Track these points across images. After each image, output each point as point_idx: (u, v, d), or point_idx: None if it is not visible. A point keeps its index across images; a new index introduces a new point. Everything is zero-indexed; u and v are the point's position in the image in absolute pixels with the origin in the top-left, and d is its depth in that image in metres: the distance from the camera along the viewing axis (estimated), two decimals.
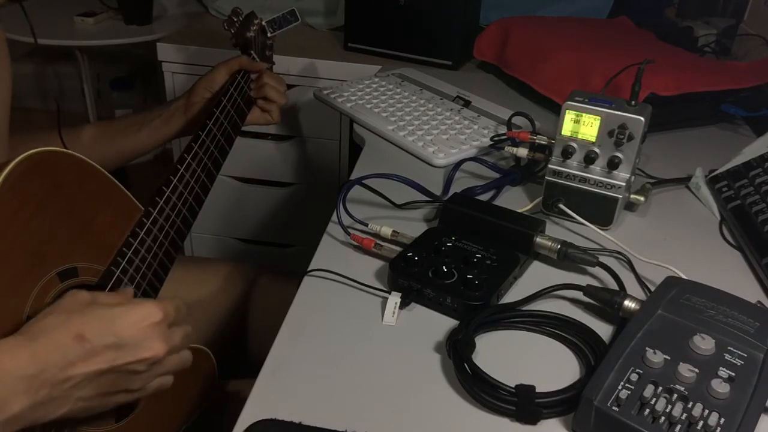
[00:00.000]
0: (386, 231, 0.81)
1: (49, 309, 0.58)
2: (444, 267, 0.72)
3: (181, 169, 0.83)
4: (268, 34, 1.13)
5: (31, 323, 0.57)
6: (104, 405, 0.61)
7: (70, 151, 0.66)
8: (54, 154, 0.64)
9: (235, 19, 1.11)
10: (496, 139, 1.04)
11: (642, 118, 0.80)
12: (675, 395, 0.56)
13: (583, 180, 0.85)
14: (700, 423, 0.54)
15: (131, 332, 0.59)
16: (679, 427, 0.54)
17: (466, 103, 1.18)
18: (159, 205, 0.78)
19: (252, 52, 1.09)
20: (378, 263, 0.78)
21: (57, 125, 0.89)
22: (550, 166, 0.87)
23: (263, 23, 1.12)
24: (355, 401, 0.60)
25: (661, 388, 0.57)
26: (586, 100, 0.83)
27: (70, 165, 0.67)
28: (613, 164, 0.83)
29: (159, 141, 1.07)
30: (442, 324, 0.70)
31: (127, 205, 0.74)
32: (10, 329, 0.58)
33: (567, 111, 0.84)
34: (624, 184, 0.83)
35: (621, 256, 0.81)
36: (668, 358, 0.59)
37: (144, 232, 0.74)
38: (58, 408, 0.56)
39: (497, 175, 0.97)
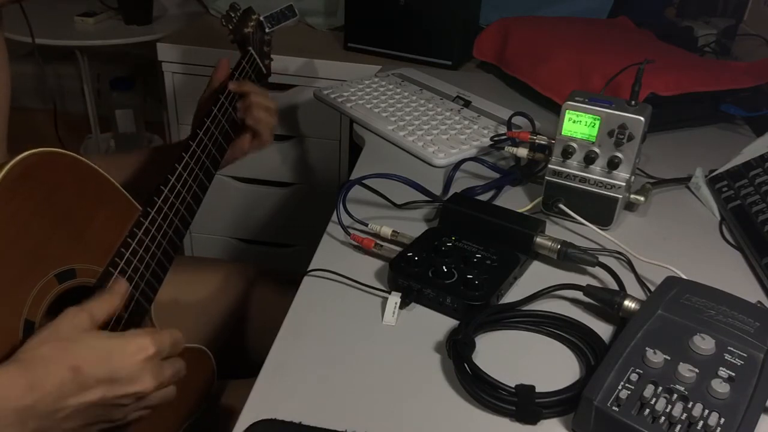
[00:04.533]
0: (386, 231, 0.81)
1: (47, 334, 0.58)
2: (444, 267, 0.72)
3: (179, 169, 0.83)
4: (266, 30, 1.12)
5: (26, 350, 0.56)
6: None
7: (67, 152, 0.66)
8: (51, 154, 0.64)
9: (233, 15, 1.10)
10: (496, 139, 1.04)
11: (642, 118, 0.80)
12: (675, 395, 0.56)
13: (583, 180, 0.85)
14: (700, 423, 0.54)
15: (125, 366, 0.59)
16: (679, 427, 0.54)
17: (466, 103, 1.18)
18: (157, 205, 0.77)
19: (250, 48, 1.09)
20: (378, 263, 0.78)
21: (54, 125, 0.89)
22: (550, 166, 0.87)
23: (261, 18, 1.11)
24: (355, 401, 0.60)
25: (661, 388, 0.57)
26: (586, 100, 0.83)
27: (68, 165, 0.66)
28: (613, 164, 0.83)
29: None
30: (442, 324, 0.70)
31: (125, 206, 0.74)
32: (8, 332, 0.58)
33: (567, 111, 0.83)
34: (624, 184, 0.83)
35: (621, 256, 0.81)
36: (668, 358, 0.59)
37: (142, 233, 0.74)
38: None
39: (497, 175, 0.97)
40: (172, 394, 0.66)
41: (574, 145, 0.85)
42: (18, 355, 0.56)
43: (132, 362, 0.60)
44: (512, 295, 0.74)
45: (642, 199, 0.89)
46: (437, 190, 0.93)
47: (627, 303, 0.69)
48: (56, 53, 2.48)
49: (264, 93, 1.01)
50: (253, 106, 0.99)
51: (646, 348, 0.60)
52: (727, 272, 0.81)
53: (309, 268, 0.76)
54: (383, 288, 0.74)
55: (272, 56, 1.18)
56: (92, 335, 0.60)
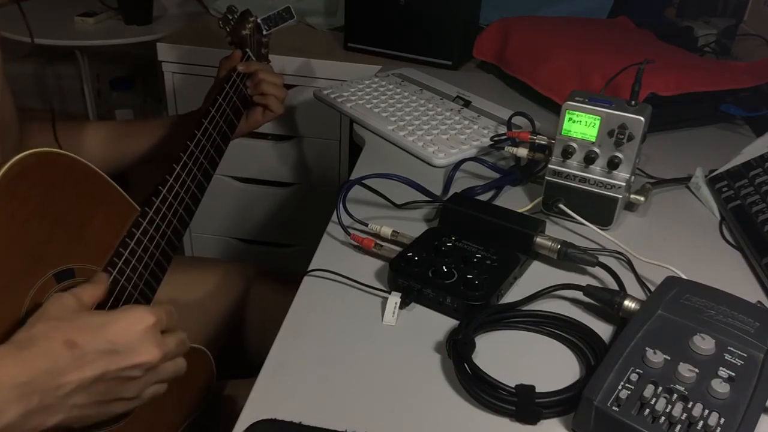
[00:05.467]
0: (386, 231, 0.81)
1: (37, 316, 0.58)
2: (444, 267, 0.72)
3: (177, 168, 0.83)
4: (264, 32, 1.12)
5: (20, 332, 0.56)
6: (101, 413, 0.60)
7: (65, 152, 0.66)
8: (49, 154, 0.64)
9: (230, 17, 1.10)
10: (496, 139, 1.04)
11: (642, 118, 0.80)
12: (675, 395, 0.56)
13: (583, 180, 0.85)
14: (700, 423, 0.54)
15: (124, 337, 0.59)
16: (679, 427, 0.54)
17: (466, 103, 1.18)
18: (155, 205, 0.77)
19: (248, 50, 1.09)
20: (378, 263, 0.78)
21: (52, 126, 0.89)
22: (550, 166, 0.87)
23: (258, 21, 1.11)
24: (355, 401, 0.60)
25: (661, 388, 0.57)
26: (586, 100, 0.83)
27: (66, 165, 0.66)
28: (613, 164, 0.83)
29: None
30: (442, 324, 0.70)
31: (124, 205, 0.74)
32: (7, 331, 0.58)
33: (567, 111, 0.83)
34: (624, 184, 0.83)
35: (621, 256, 0.81)
36: (668, 358, 0.59)
37: (140, 233, 0.74)
38: (53, 416, 0.55)
39: (497, 175, 0.97)
40: (183, 367, 0.66)
41: (574, 145, 0.84)
42: (12, 338, 0.56)
43: (130, 332, 0.59)
44: (512, 295, 0.74)
45: (642, 199, 0.89)
46: (437, 190, 0.93)
47: (627, 303, 0.69)
48: (56, 53, 2.48)
49: (270, 69, 1.10)
50: (261, 83, 1.06)
51: (646, 348, 0.60)
52: (727, 272, 0.81)
53: (309, 268, 0.76)
54: (383, 288, 0.74)
55: (271, 56, 1.18)
56: (83, 313, 0.60)
